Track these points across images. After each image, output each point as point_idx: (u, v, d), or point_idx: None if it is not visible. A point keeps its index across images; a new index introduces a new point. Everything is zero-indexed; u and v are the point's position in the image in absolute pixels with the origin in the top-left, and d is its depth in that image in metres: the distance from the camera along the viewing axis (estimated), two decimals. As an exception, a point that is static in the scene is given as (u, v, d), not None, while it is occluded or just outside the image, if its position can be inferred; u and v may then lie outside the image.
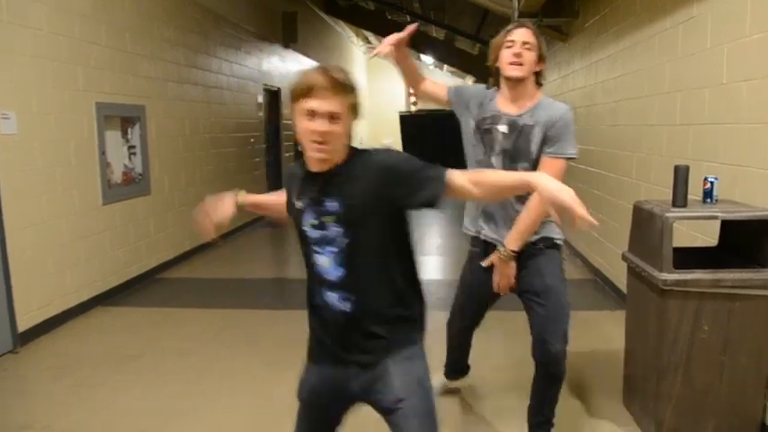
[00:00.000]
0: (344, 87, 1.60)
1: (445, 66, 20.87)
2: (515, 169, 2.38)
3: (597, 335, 4.23)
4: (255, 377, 3.62)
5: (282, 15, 10.45)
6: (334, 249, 1.67)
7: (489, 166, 2.48)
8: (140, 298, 5.36)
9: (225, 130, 7.97)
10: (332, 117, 1.57)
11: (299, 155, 1.71)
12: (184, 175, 6.77)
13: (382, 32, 15.39)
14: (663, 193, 3.67)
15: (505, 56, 2.39)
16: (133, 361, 3.88)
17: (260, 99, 9.42)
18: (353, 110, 1.64)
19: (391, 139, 21.73)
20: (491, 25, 10.03)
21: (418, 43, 15.14)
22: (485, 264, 2.57)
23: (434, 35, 15.96)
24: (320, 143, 1.59)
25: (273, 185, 9.95)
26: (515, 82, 2.40)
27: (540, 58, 2.41)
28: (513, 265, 2.49)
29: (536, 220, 2.40)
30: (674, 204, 2.72)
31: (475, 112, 2.58)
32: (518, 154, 2.43)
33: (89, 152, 4.98)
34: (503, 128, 2.45)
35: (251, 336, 4.36)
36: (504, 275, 2.52)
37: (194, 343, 4.21)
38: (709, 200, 2.79)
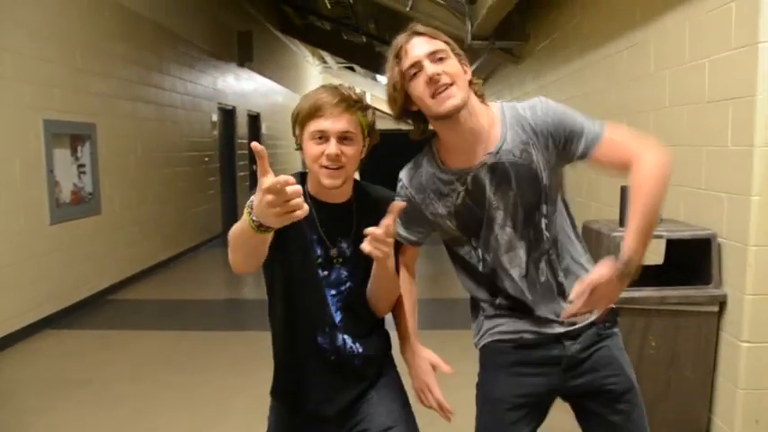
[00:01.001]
0: (355, 104, 1.48)
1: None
2: (536, 219, 1.55)
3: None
4: (209, 402, 3.55)
5: (238, 34, 10.43)
6: (334, 292, 1.56)
7: (497, 243, 1.57)
8: (90, 321, 5.21)
9: (178, 148, 7.87)
10: (343, 138, 1.45)
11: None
12: (136, 194, 6.64)
13: (338, 52, 15.55)
14: (612, 213, 3.78)
15: (419, 89, 1.46)
16: (81, 386, 3.75)
17: (214, 118, 9.34)
18: (367, 131, 1.52)
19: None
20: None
21: (374, 64, 15.31)
22: (601, 272, 1.37)
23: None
24: (332, 168, 1.45)
25: (227, 205, 9.85)
26: (456, 115, 1.46)
27: (462, 59, 1.52)
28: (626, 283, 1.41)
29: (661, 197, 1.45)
30: (621, 224, 2.81)
31: (431, 205, 1.62)
32: (530, 196, 1.53)
33: (36, 171, 4.84)
34: (490, 183, 1.53)
35: (204, 359, 4.28)
36: (607, 297, 1.42)
37: (146, 367, 4.11)
38: (654, 219, 2.89)
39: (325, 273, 1.56)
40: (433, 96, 1.44)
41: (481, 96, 1.55)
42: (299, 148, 1.52)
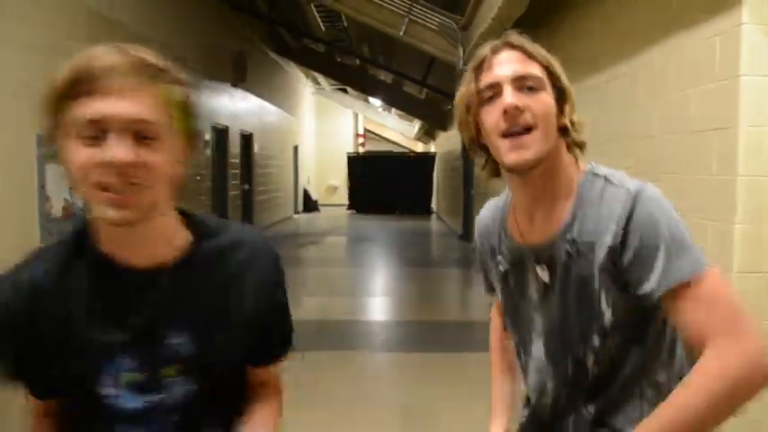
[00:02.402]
0: (159, 73, 0.86)
1: (393, 109, 21.31)
2: (577, 351, 1.12)
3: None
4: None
5: (232, 54, 10.52)
6: None
7: (529, 352, 1.23)
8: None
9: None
10: (139, 132, 0.83)
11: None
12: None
13: (331, 74, 15.70)
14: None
15: (491, 120, 1.08)
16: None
17: (207, 137, 9.39)
18: (182, 122, 0.88)
19: (338, 180, 21.94)
20: (437, 73, 10.36)
21: (367, 86, 15.47)
22: None
23: (383, 78, 16.33)
24: (117, 190, 0.82)
25: (218, 223, 9.84)
26: (527, 171, 1.09)
27: (562, 95, 1.14)
28: None
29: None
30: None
31: (486, 260, 1.31)
32: (584, 324, 1.11)
33: (28, 185, 4.85)
34: (534, 278, 1.17)
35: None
36: None
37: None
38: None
39: (148, 400, 0.93)
40: (504, 136, 1.06)
41: (579, 146, 1.15)
42: (52, 155, 0.93)
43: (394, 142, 25.09)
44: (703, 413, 0.93)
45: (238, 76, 10.68)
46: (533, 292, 1.17)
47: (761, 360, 0.93)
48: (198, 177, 9.04)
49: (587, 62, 4.51)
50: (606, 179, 1.11)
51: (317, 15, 12.65)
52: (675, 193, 3.07)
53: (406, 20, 7.41)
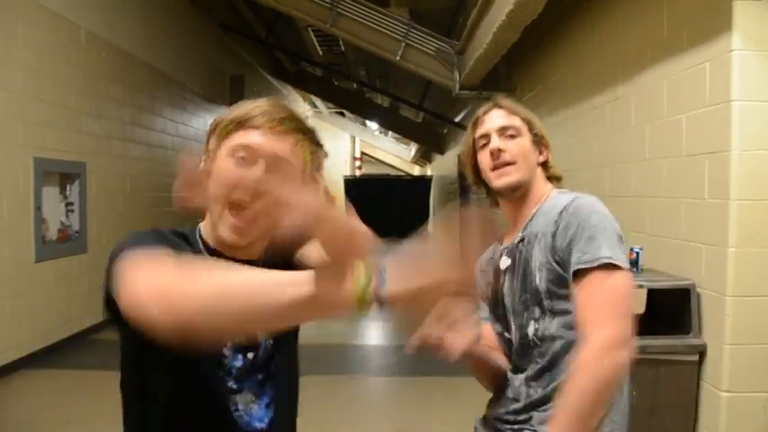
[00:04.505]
0: (307, 132, 1.08)
1: (390, 132, 21.42)
2: (524, 322, 1.42)
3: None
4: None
5: (230, 78, 10.60)
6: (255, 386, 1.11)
7: (508, 336, 1.50)
8: (71, 360, 5.13)
9: (167, 189, 7.88)
10: (277, 167, 1.02)
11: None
12: (123, 233, 6.59)
13: (328, 97, 15.79)
14: (594, 261, 3.84)
15: (484, 160, 1.50)
16: (59, 427, 3.69)
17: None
18: (312, 168, 1.08)
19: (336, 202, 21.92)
20: (433, 96, 10.44)
21: (364, 110, 15.55)
22: None
23: (380, 102, 16.44)
24: (244, 215, 1.01)
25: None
26: (510, 193, 1.48)
27: (539, 140, 1.51)
28: None
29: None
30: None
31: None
32: (527, 297, 1.42)
33: (23, 207, 4.85)
34: (505, 265, 1.50)
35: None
36: None
37: (126, 408, 4.04)
38: (635, 269, 2.95)
39: (248, 356, 1.09)
40: (492, 170, 1.47)
41: (556, 180, 1.55)
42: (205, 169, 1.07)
43: (391, 165, 25.16)
44: (596, 400, 1.20)
45: (236, 99, 10.67)
46: (503, 279, 1.48)
47: (613, 351, 1.21)
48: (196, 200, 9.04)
49: (581, 86, 4.56)
50: (561, 192, 1.49)
51: (314, 40, 12.77)
52: (669, 217, 3.09)
53: (403, 44, 7.48)
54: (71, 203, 5.57)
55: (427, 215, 19.75)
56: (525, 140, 1.48)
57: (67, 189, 5.51)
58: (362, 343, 6.18)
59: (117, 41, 6.36)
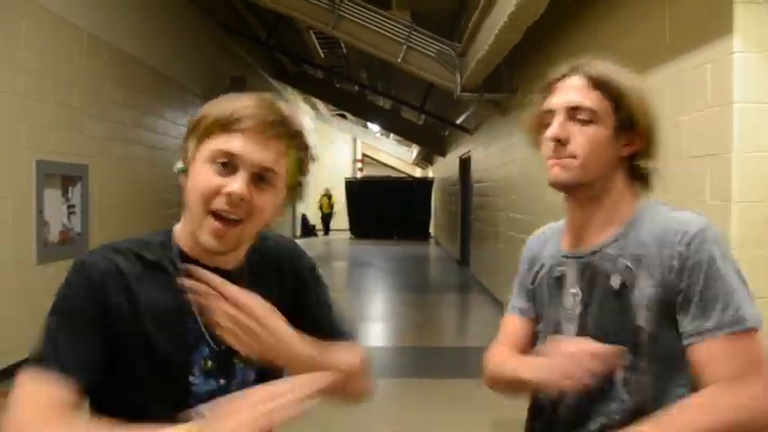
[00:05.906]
0: (294, 135, 1.00)
1: (391, 134, 21.43)
2: (613, 381, 1.11)
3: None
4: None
5: (232, 79, 10.61)
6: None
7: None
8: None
9: (170, 191, 7.90)
10: (261, 176, 0.96)
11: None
12: (125, 235, 6.62)
13: (330, 99, 15.81)
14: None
15: (544, 143, 1.17)
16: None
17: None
18: (293, 178, 1.02)
19: (337, 206, 21.96)
20: (435, 99, 10.45)
21: (365, 112, 15.57)
22: None
23: (381, 104, 16.45)
24: (225, 220, 0.95)
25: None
26: (567, 191, 1.18)
27: (627, 126, 1.13)
28: None
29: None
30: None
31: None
32: (609, 332, 1.10)
33: (25, 209, 4.85)
34: (571, 281, 1.19)
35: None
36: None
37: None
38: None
39: (220, 382, 1.03)
40: (549, 159, 1.14)
41: (642, 180, 1.21)
42: (184, 170, 1.02)
43: (392, 167, 25.17)
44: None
45: (237, 101, 10.75)
46: (570, 300, 1.18)
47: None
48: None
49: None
50: (666, 205, 1.17)
51: (316, 42, 12.79)
52: (671, 219, 3.09)
53: (405, 47, 7.50)
54: (73, 206, 5.57)
55: (429, 217, 19.77)
56: (601, 130, 1.11)
57: (69, 191, 5.51)
58: (364, 344, 6.17)
59: (119, 43, 6.38)
